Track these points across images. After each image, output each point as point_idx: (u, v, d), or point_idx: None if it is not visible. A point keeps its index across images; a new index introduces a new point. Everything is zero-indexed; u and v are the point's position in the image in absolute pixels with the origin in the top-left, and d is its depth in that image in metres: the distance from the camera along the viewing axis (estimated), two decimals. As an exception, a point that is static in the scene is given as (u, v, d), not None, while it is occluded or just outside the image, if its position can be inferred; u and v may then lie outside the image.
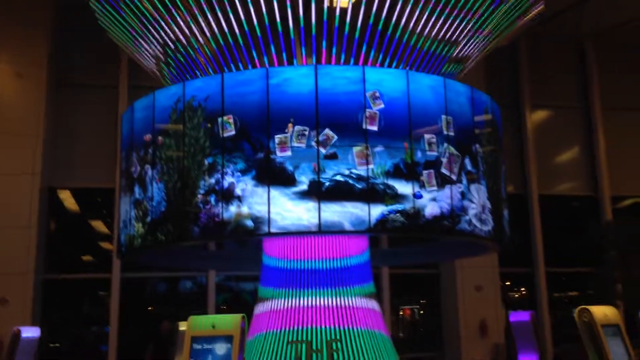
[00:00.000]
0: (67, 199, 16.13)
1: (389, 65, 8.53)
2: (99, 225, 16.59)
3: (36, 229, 14.35)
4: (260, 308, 8.76)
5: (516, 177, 18.06)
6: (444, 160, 7.64)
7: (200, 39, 8.64)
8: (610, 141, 18.62)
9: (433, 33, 8.63)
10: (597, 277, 15.25)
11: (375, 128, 7.35)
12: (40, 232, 14.64)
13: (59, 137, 15.75)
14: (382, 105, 7.60)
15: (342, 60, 8.40)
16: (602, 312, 5.99)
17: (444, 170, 7.64)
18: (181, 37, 8.85)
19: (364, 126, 7.34)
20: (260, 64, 8.35)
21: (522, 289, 18.30)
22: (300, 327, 8.14)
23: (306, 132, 7.24)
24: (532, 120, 18.43)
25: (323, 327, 8.13)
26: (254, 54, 8.50)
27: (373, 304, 8.85)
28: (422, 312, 18.14)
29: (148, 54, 9.65)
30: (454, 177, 7.67)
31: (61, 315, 15.47)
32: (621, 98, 19.04)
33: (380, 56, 8.41)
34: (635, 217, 15.83)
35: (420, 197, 7.52)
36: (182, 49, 8.93)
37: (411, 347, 17.09)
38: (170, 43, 8.95)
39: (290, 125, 7.32)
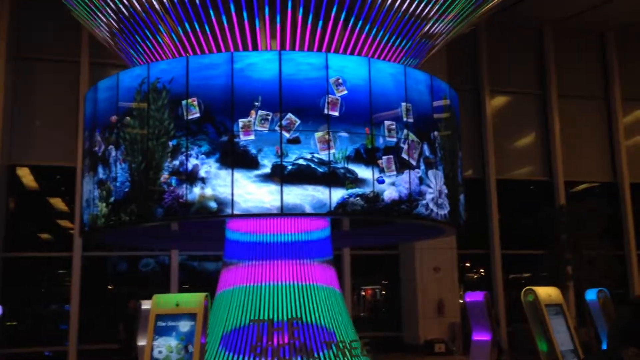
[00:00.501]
0: (26, 176, 15.95)
1: (356, 43, 8.71)
2: (59, 204, 16.47)
3: (-5, 207, 14.22)
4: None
5: (475, 162, 18.54)
6: (405, 146, 7.89)
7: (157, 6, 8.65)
8: (565, 127, 19.23)
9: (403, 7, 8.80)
10: (549, 258, 15.82)
11: (336, 114, 7.54)
12: (0, 210, 14.48)
13: (18, 113, 15.52)
14: (345, 92, 7.78)
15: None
16: (546, 292, 6.36)
17: (404, 156, 7.89)
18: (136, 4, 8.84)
19: (325, 111, 7.52)
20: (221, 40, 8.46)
21: (480, 270, 18.88)
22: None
23: (269, 117, 7.39)
24: (491, 106, 18.89)
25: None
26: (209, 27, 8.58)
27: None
28: (383, 292, 18.60)
29: (103, 25, 9.64)
30: (413, 163, 7.92)
31: (21, 293, 15.38)
32: (576, 85, 19.64)
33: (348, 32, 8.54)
34: (586, 201, 16.42)
35: (383, 182, 7.77)
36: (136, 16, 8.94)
37: (373, 326, 17.56)
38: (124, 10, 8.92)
39: (252, 111, 7.45)
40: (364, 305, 18.45)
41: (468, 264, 18.73)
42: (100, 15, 9.54)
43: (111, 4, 8.94)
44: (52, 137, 15.81)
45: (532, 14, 18.35)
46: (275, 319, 8.20)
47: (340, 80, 7.79)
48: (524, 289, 6.44)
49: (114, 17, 9.32)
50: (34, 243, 15.90)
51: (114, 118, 8.07)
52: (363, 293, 18.38)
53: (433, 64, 15.05)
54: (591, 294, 9.79)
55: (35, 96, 15.85)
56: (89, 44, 15.65)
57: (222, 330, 8.44)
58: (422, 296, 16.58)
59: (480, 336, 12.54)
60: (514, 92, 19.55)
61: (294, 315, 8.24)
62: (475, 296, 12.61)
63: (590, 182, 19.67)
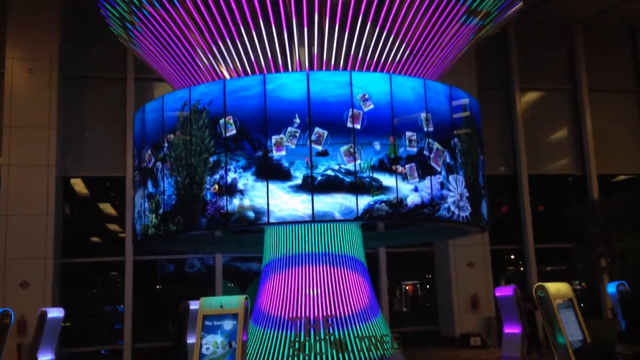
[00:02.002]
0: (80, 187, 17.07)
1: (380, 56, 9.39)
2: (109, 211, 17.54)
3: (53, 216, 15.33)
4: None
5: (507, 158, 18.90)
6: (431, 154, 8.50)
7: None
8: (596, 122, 19.41)
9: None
10: (581, 252, 16.07)
11: (358, 127, 8.20)
12: (57, 219, 15.62)
13: (69, 128, 16.64)
14: (372, 106, 8.47)
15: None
16: (556, 288, 6.90)
17: (431, 163, 8.51)
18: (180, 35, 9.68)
19: (349, 125, 8.20)
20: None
21: (515, 264, 19.21)
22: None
23: (297, 134, 8.11)
24: (521, 103, 19.20)
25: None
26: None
27: None
28: (420, 288, 19.17)
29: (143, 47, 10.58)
30: (438, 169, 8.54)
31: (76, 296, 16.45)
32: (607, 80, 19.77)
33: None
34: (618, 194, 16.59)
35: (417, 190, 8.44)
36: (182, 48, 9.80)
37: (411, 320, 18.20)
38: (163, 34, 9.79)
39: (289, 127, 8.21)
40: (405, 300, 19.04)
41: (505, 258, 19.08)
42: (141, 38, 10.45)
43: (148, 30, 9.83)
44: (101, 150, 16.87)
45: (561, 10, 18.59)
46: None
47: (366, 96, 8.47)
48: (536, 285, 7.00)
49: (153, 40, 10.22)
50: (88, 248, 16.99)
51: (170, 137, 8.84)
52: (405, 288, 18.97)
53: (462, 64, 15.56)
54: (611, 287, 10.25)
55: (85, 112, 16.94)
56: (134, 61, 16.64)
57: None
58: (456, 291, 17.09)
59: (512, 329, 13.03)
60: (545, 89, 19.80)
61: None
62: (505, 291, 13.08)
63: (627, 174, 19.76)
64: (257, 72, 9.22)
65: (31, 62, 15.98)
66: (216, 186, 8.33)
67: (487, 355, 14.34)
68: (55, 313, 11.12)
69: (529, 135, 19.07)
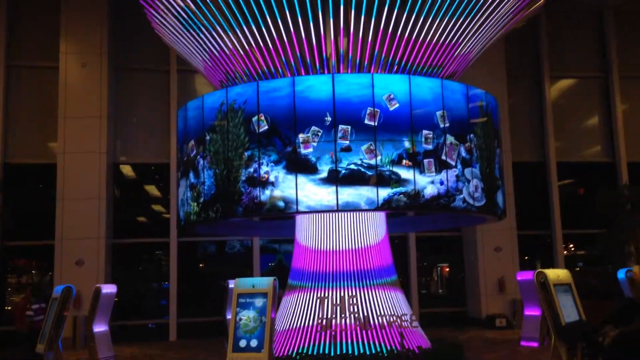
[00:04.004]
0: (129, 173, 18.31)
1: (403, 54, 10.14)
2: (155, 195, 18.75)
3: (105, 200, 16.60)
4: None
5: (536, 146, 19.33)
6: (446, 148, 9.22)
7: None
8: (627, 109, 19.61)
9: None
10: (605, 238, 16.49)
11: (374, 123, 8.98)
12: (108, 202, 16.89)
13: (118, 117, 17.85)
14: (397, 105, 9.22)
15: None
16: (555, 274, 7.60)
17: (444, 157, 9.23)
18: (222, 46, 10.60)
19: (366, 122, 8.98)
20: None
21: (542, 250, 19.68)
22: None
23: (319, 133, 8.95)
24: (551, 91, 19.53)
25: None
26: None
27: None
28: (449, 271, 19.90)
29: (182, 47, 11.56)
30: (452, 163, 9.26)
31: (125, 273, 17.74)
32: (639, 66, 19.89)
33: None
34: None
35: (443, 183, 9.23)
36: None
37: (440, 302, 18.99)
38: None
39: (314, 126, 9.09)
40: (440, 281, 19.77)
41: (533, 244, 19.53)
42: (180, 38, 11.41)
43: (187, 33, 10.77)
44: (147, 137, 18.05)
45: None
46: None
47: (392, 96, 9.23)
48: (537, 272, 7.72)
49: (190, 41, 11.16)
50: (136, 229, 18.25)
51: (199, 134, 9.80)
52: (440, 270, 19.71)
53: (491, 53, 16.00)
54: (621, 274, 10.84)
55: (133, 102, 18.11)
56: (176, 54, 17.65)
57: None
58: (483, 274, 17.76)
59: (532, 311, 13.73)
60: (575, 76, 20.06)
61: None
62: (526, 275, 13.77)
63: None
64: (288, 74, 10.07)
65: (83, 56, 17.18)
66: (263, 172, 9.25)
67: (510, 335, 15.02)
68: (108, 289, 12.34)
69: (559, 122, 19.41)
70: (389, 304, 10.29)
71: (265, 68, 10.26)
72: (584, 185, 19.84)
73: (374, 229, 10.63)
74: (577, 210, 19.04)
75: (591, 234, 18.26)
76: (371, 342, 9.66)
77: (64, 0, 17.24)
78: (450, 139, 9.40)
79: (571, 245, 19.99)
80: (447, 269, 19.86)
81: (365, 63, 10.02)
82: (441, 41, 10.32)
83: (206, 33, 10.55)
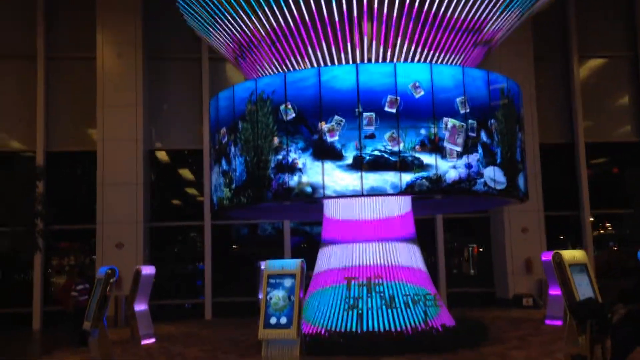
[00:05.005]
0: (164, 159, 18.99)
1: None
2: (190, 179, 19.41)
3: (142, 186, 17.32)
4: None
5: (565, 126, 19.35)
6: (447, 133, 9.50)
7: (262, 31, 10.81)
8: (657, 89, 19.48)
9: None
10: (632, 218, 16.59)
11: (393, 111, 9.34)
12: (145, 187, 17.61)
13: (153, 106, 18.50)
14: (423, 93, 9.55)
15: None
16: (571, 254, 7.91)
17: (446, 144, 9.51)
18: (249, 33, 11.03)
19: (386, 109, 9.34)
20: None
21: (570, 230, 19.80)
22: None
23: (342, 122, 9.36)
24: (580, 71, 19.47)
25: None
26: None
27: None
28: (478, 251, 20.17)
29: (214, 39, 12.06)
30: (456, 148, 9.52)
31: (161, 255, 18.44)
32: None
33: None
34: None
35: (470, 167, 9.58)
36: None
37: (469, 282, 19.32)
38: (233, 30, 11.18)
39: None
40: (472, 262, 20.03)
41: (562, 224, 19.61)
42: (212, 31, 11.89)
43: (219, 26, 11.23)
44: (181, 124, 18.68)
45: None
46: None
47: (417, 84, 9.57)
48: (554, 252, 8.04)
49: (223, 35, 11.62)
50: (172, 212, 18.95)
51: (231, 123, 10.29)
52: (470, 250, 19.96)
53: (517, 33, 16.06)
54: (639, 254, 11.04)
55: (166, 91, 18.73)
56: (207, 43, 18.17)
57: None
58: (510, 255, 18.01)
59: (556, 291, 13.97)
60: (604, 56, 19.94)
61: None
62: (550, 256, 13.98)
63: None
64: (315, 65, 10.47)
65: (118, 46, 17.84)
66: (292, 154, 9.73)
67: (536, 314, 15.30)
68: (148, 270, 13.02)
69: (588, 103, 19.38)
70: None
71: (291, 56, 10.67)
72: (613, 165, 19.83)
73: (397, 205, 11.07)
74: (607, 191, 19.08)
75: (621, 214, 18.32)
76: (396, 319, 10.12)
77: (100, -7, 17.88)
78: (452, 121, 9.61)
79: (601, 226, 20.06)
80: (477, 250, 20.13)
81: (389, 50, 10.35)
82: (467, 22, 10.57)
83: (233, 22, 11.00)
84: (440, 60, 10.80)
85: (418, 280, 10.89)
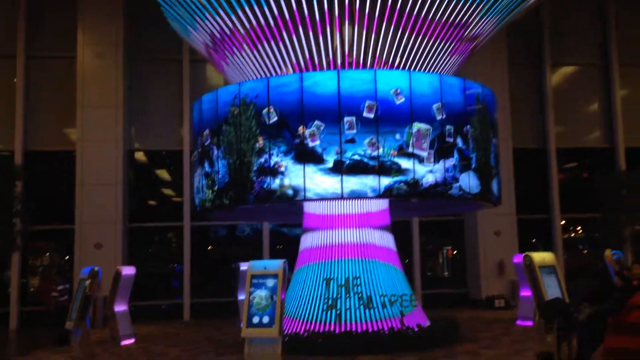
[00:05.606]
0: (142, 159, 19.06)
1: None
2: (168, 180, 19.50)
3: (121, 185, 17.39)
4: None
5: (537, 133, 19.90)
6: (413, 139, 9.81)
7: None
8: (626, 95, 20.12)
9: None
10: (604, 222, 17.10)
11: (371, 116, 9.64)
12: (124, 188, 17.67)
13: (133, 106, 18.56)
14: (403, 99, 9.86)
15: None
16: (541, 257, 8.29)
17: (411, 149, 9.80)
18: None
19: (364, 114, 9.63)
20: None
21: (541, 233, 20.34)
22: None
23: (321, 127, 9.63)
24: (552, 78, 20.05)
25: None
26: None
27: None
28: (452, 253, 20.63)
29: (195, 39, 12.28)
30: (423, 154, 9.83)
31: (141, 256, 18.49)
32: (638, 54, 20.36)
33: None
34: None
35: (432, 172, 9.92)
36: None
37: (443, 283, 19.76)
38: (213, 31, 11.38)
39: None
40: (447, 264, 20.47)
41: (534, 227, 20.15)
42: (193, 32, 12.09)
43: (200, 25, 11.44)
44: (160, 125, 18.75)
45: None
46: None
47: (398, 91, 9.87)
48: (524, 255, 8.41)
49: (204, 35, 11.82)
50: (151, 213, 19.01)
51: (214, 126, 10.50)
52: (445, 252, 20.41)
53: (493, 40, 16.51)
54: (607, 256, 11.48)
55: (147, 91, 18.80)
56: (188, 44, 18.29)
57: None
58: (484, 257, 18.47)
59: (527, 292, 14.41)
60: (575, 63, 20.55)
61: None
62: (521, 258, 14.43)
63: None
64: (297, 70, 10.73)
65: (99, 46, 17.87)
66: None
67: (507, 315, 15.73)
68: (128, 271, 13.13)
69: (560, 109, 19.94)
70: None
71: (273, 60, 10.93)
72: (584, 170, 20.43)
73: (375, 202, 11.42)
74: (577, 195, 19.65)
75: (590, 217, 18.88)
76: (373, 319, 10.43)
77: (81, -6, 17.90)
78: (417, 124, 9.93)
79: (572, 229, 20.64)
80: (451, 252, 20.58)
81: (369, 56, 10.66)
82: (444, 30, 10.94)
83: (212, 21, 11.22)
84: (419, 66, 11.15)
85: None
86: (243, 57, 11.49)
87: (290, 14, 10.51)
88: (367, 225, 11.32)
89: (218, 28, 11.29)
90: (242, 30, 11.06)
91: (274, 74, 11.20)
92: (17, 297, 17.05)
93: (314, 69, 10.74)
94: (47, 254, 18.35)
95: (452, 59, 11.66)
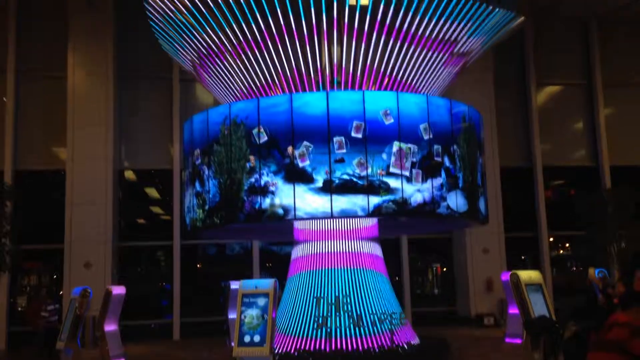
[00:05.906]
0: (132, 178, 19.10)
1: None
2: (158, 199, 19.54)
3: (111, 204, 17.39)
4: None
5: (523, 151, 20.19)
6: (393, 158, 9.97)
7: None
8: (610, 114, 20.49)
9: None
10: (588, 240, 17.33)
11: (360, 136, 9.80)
12: (114, 207, 17.68)
13: (123, 125, 18.64)
14: (393, 120, 10.03)
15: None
16: (527, 275, 8.45)
17: (392, 169, 9.98)
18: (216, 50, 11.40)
19: (352, 134, 9.80)
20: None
21: (529, 251, 20.54)
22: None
23: (310, 148, 9.77)
24: (537, 97, 20.39)
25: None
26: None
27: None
28: (440, 271, 20.76)
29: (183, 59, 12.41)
30: (405, 173, 9.99)
31: (130, 275, 18.48)
32: (621, 75, 20.79)
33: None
34: (624, 185, 17.71)
35: (420, 191, 10.05)
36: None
37: (432, 301, 19.85)
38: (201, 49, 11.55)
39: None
40: (436, 281, 20.59)
41: (522, 245, 20.34)
42: (182, 52, 12.24)
43: (188, 45, 11.61)
44: (150, 144, 18.84)
45: (577, 6, 19.68)
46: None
47: (388, 112, 10.05)
48: (511, 272, 8.56)
49: (192, 54, 11.99)
50: (140, 232, 19.02)
51: (205, 146, 10.64)
52: (436, 269, 20.54)
53: (478, 61, 16.82)
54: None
55: (137, 110, 18.90)
56: (179, 64, 18.46)
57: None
58: (472, 275, 18.61)
59: (516, 310, 14.54)
60: (560, 83, 20.94)
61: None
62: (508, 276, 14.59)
63: (635, 166, 20.76)
64: (286, 89, 10.90)
65: (89, 66, 17.98)
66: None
67: (496, 333, 15.84)
68: (119, 290, 13.12)
69: (545, 128, 20.27)
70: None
71: (263, 81, 11.09)
72: (570, 188, 20.71)
73: (364, 219, 11.57)
74: (564, 213, 19.88)
75: (576, 235, 19.09)
76: (363, 338, 10.50)
77: (71, 12, 18.02)
78: (397, 144, 10.08)
79: (560, 246, 20.86)
80: (440, 270, 20.72)
81: (358, 75, 10.85)
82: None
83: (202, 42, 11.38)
84: (408, 85, 11.36)
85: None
86: (231, 74, 11.64)
87: (278, 30, 10.70)
88: (356, 237, 11.46)
89: (205, 45, 11.47)
90: (229, 47, 11.23)
91: (262, 92, 11.35)
92: (6, 318, 16.93)
93: (303, 86, 10.90)
94: (37, 274, 18.27)
95: (441, 77, 11.87)
